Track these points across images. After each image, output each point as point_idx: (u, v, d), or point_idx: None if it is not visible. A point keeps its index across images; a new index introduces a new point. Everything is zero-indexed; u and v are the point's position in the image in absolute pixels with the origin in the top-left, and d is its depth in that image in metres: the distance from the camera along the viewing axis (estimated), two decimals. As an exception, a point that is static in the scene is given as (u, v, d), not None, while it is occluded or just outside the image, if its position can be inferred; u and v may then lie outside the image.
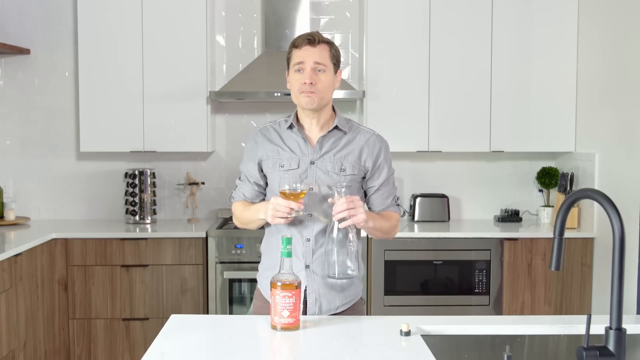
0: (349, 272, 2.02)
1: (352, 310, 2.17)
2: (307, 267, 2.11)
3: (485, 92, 4.05)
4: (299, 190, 1.99)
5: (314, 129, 2.15)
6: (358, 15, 4.30)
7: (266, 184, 2.20)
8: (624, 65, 3.53)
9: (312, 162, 2.11)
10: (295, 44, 2.10)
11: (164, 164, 4.36)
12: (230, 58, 4.34)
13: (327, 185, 2.07)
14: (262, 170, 2.19)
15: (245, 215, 2.18)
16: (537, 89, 4.05)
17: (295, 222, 2.09)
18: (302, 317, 1.91)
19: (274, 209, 1.99)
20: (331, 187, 2.02)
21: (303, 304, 2.07)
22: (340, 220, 1.97)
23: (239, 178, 2.26)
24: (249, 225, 2.19)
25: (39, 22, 4.25)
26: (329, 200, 2.03)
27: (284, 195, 1.99)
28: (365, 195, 2.22)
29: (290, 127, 2.15)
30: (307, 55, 2.07)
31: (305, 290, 2.10)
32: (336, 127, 2.14)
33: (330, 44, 2.12)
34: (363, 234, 3.79)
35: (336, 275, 2.02)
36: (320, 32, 2.14)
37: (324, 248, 2.06)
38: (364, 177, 2.17)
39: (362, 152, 2.14)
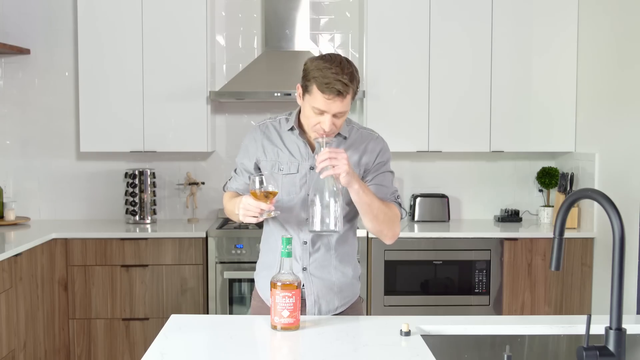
0: (331, 227, 1.91)
1: (351, 310, 2.16)
2: (304, 269, 2.10)
3: (485, 92, 4.05)
4: (270, 191, 1.93)
5: None
6: (358, 15, 4.30)
7: None
8: (624, 65, 3.53)
9: (311, 168, 2.07)
10: (322, 90, 1.90)
11: (164, 164, 4.36)
12: (230, 58, 4.34)
13: (314, 140, 2.01)
14: (258, 169, 2.16)
15: (228, 207, 2.17)
16: (537, 89, 4.05)
17: (292, 225, 2.08)
18: (301, 317, 1.91)
19: (244, 208, 1.94)
20: (317, 140, 1.96)
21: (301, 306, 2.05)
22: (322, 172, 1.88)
23: (235, 170, 2.23)
24: (232, 217, 2.14)
25: (39, 22, 4.25)
26: (315, 156, 1.98)
27: (254, 195, 1.93)
28: None
29: (292, 129, 2.11)
30: (332, 107, 1.92)
31: (304, 292, 2.09)
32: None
33: (356, 82, 1.95)
34: (362, 234, 3.83)
35: (317, 229, 1.91)
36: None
37: (308, 199, 1.97)
38: (363, 179, 2.15)
39: (362, 155, 2.11)
